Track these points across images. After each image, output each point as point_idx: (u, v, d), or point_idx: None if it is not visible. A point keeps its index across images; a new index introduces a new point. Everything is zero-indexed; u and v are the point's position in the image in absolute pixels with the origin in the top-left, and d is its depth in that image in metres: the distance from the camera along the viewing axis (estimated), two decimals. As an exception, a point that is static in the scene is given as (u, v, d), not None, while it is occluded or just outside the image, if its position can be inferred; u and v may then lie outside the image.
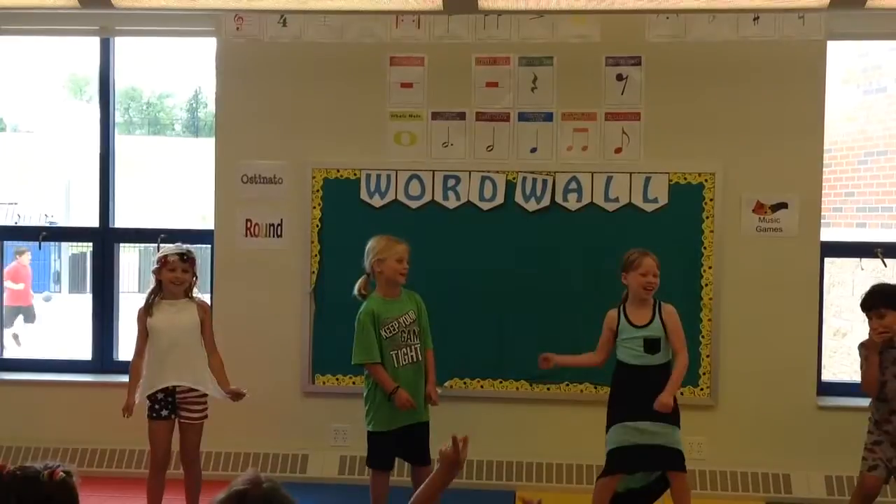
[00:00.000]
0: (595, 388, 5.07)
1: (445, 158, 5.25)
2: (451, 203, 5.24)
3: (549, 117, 5.21)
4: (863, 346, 4.23)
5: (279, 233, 5.34)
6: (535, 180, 5.19)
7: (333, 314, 5.25)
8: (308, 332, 5.30)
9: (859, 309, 4.27)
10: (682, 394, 5.01)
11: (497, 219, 5.21)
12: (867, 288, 4.29)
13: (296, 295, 5.30)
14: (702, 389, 5.13)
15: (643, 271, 4.29)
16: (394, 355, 4.35)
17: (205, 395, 4.42)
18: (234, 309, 5.32)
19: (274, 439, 5.33)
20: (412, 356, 4.39)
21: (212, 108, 5.51)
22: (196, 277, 4.45)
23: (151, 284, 4.48)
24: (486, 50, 5.21)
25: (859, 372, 4.26)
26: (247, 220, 5.35)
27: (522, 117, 5.23)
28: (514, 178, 5.20)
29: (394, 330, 4.36)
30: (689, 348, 4.91)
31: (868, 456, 4.21)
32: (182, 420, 4.40)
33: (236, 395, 4.45)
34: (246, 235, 5.35)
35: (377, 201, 5.26)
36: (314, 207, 5.29)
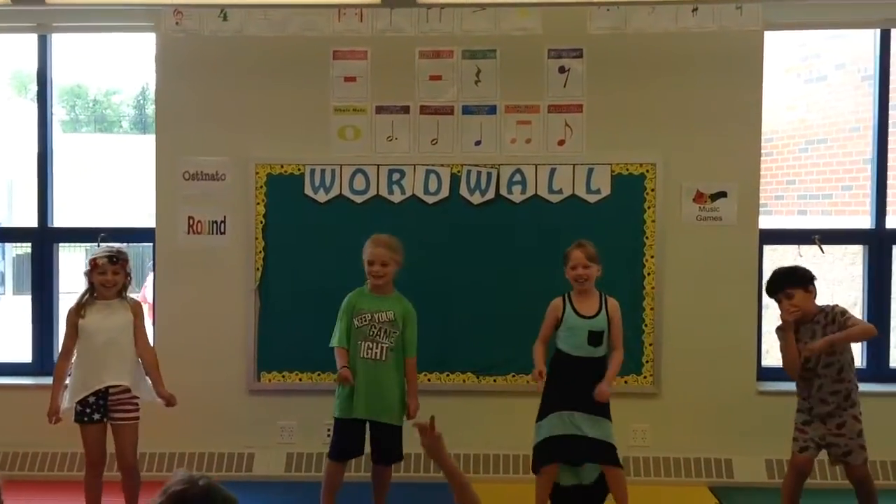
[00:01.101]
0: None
1: (390, 152, 5.24)
2: (397, 197, 5.23)
3: (492, 110, 5.23)
4: (780, 330, 4.32)
5: (222, 230, 5.29)
6: (479, 173, 5.20)
7: (279, 311, 5.23)
8: (253, 330, 5.26)
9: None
10: (625, 382, 5.12)
11: (442, 212, 5.22)
12: (769, 275, 4.39)
13: (240, 292, 5.26)
14: (645, 377, 5.19)
15: (572, 265, 4.35)
16: (360, 345, 4.40)
17: (137, 396, 4.36)
18: (177, 307, 5.27)
19: (219, 438, 5.28)
20: (376, 352, 4.40)
21: (157, 104, 5.45)
22: (130, 277, 4.40)
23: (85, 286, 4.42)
24: (429, 43, 5.21)
25: (780, 354, 4.35)
26: (189, 218, 5.29)
27: (466, 110, 5.24)
28: (458, 172, 5.21)
29: (365, 321, 4.41)
30: (633, 337, 5.03)
31: (799, 437, 4.30)
32: (115, 422, 4.33)
33: (170, 401, 4.41)
34: (188, 233, 5.29)
35: (322, 196, 5.24)
36: (258, 203, 5.25)
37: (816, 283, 4.32)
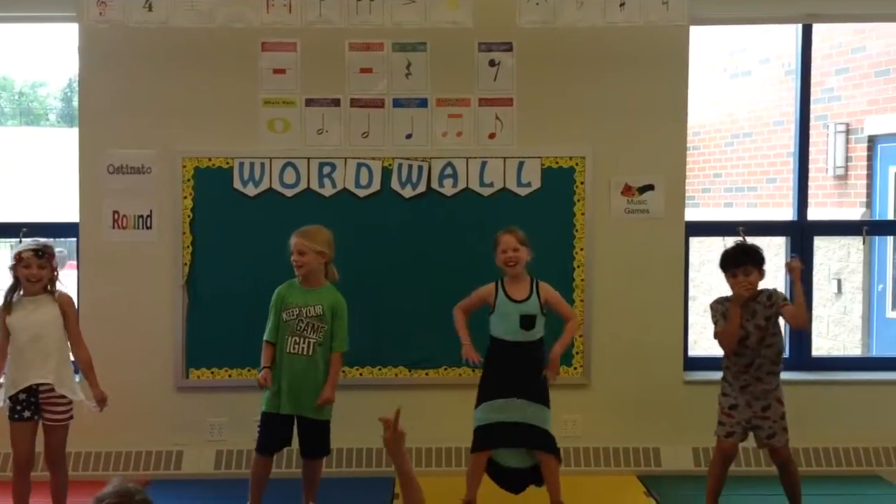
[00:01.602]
0: (473, 371, 5.11)
1: (320, 145, 5.21)
2: (328, 191, 5.20)
3: (423, 103, 5.22)
4: (719, 304, 4.41)
5: (148, 224, 5.20)
6: (410, 166, 5.19)
7: (208, 307, 5.17)
8: (181, 326, 5.19)
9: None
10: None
11: (374, 206, 5.21)
12: (730, 247, 4.48)
13: (167, 288, 5.18)
14: (575, 369, 5.25)
15: (502, 248, 4.40)
16: (288, 340, 4.36)
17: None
18: (102, 303, 5.16)
19: (147, 436, 5.20)
20: (303, 347, 4.37)
21: (84, 96, 5.33)
22: (57, 272, 4.30)
23: (10, 282, 4.31)
24: (359, 35, 5.17)
25: (713, 329, 4.43)
26: (114, 212, 5.19)
27: (397, 103, 5.22)
28: (390, 165, 5.20)
29: (292, 315, 4.38)
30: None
31: (726, 421, 4.39)
32: (46, 421, 4.26)
33: (102, 401, 4.34)
34: (113, 227, 5.19)
35: (251, 190, 5.18)
36: (185, 197, 5.18)
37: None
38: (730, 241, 5.28)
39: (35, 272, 4.22)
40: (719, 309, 4.41)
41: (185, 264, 5.18)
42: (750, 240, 5.26)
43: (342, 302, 4.48)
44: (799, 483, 4.40)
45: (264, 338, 4.42)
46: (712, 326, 4.46)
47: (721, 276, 4.47)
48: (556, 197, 5.21)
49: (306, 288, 4.43)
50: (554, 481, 4.37)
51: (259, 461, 4.43)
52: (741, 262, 4.36)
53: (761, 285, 4.42)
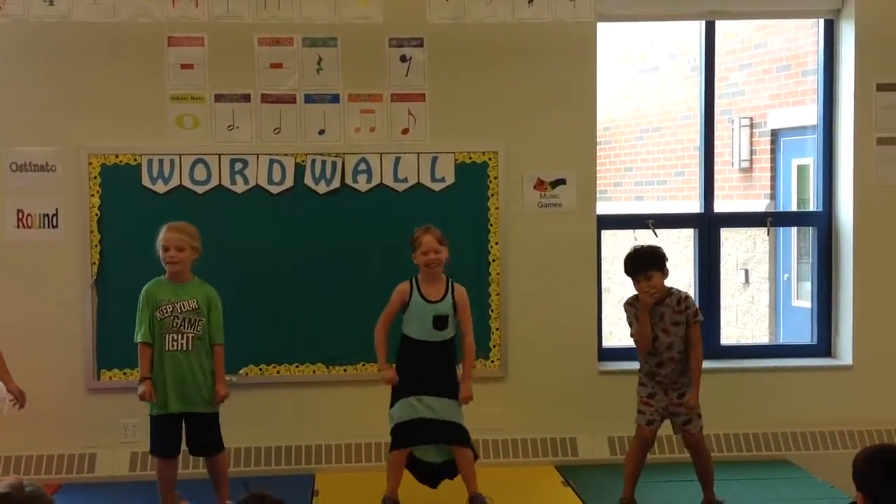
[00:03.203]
0: (391, 367, 5.12)
1: (231, 142, 5.14)
2: (240, 187, 5.14)
3: (335, 99, 5.20)
4: (630, 306, 4.49)
5: (55, 223, 5.07)
6: (324, 162, 5.17)
7: (118, 306, 5.04)
8: (91, 326, 5.07)
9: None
10: (474, 367, 5.18)
11: (287, 202, 5.16)
12: (627, 253, 4.52)
13: (76, 288, 5.06)
14: (493, 362, 5.29)
15: (423, 250, 4.38)
16: (165, 337, 4.28)
17: None
18: (8, 304, 5.01)
19: (58, 439, 5.07)
20: (182, 343, 4.30)
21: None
22: None
23: None
24: (268, 30, 5.13)
25: (629, 330, 4.52)
26: (18, 211, 5.04)
27: (309, 99, 5.19)
28: (303, 161, 5.16)
29: (167, 313, 4.29)
30: (481, 322, 5.11)
31: (645, 409, 4.48)
32: None
33: (21, 396, 4.24)
34: (18, 227, 5.05)
35: (161, 187, 5.09)
36: (92, 195, 5.06)
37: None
38: (641, 234, 5.42)
39: None
40: (631, 311, 4.48)
41: (94, 263, 5.07)
42: (660, 232, 5.42)
43: (215, 294, 4.42)
44: (711, 468, 4.51)
45: (139, 340, 4.30)
46: (625, 318, 4.55)
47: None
48: (471, 192, 5.24)
49: (176, 283, 4.35)
50: (470, 474, 4.40)
51: (163, 465, 4.36)
52: (640, 268, 4.40)
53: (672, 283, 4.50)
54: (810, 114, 6.34)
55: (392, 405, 4.41)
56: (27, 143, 5.05)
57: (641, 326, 4.40)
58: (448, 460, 4.45)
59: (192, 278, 4.40)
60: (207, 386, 4.35)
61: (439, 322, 4.38)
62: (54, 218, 5.07)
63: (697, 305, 4.54)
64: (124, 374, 5.09)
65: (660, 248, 4.56)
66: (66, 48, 5.05)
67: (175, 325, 4.29)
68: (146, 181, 5.07)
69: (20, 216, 5.05)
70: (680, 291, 4.48)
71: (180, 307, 4.30)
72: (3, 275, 5.04)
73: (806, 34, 8.22)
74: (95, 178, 5.06)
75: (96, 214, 5.07)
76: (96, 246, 5.07)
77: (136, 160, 5.07)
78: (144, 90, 5.08)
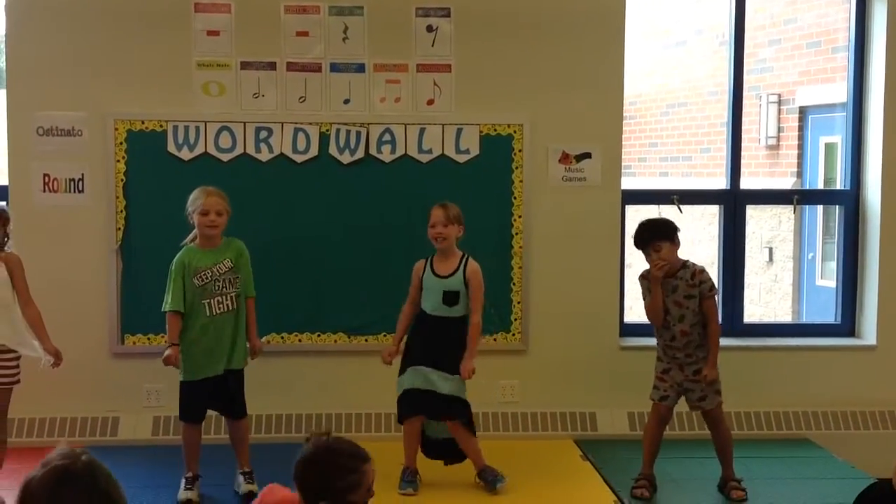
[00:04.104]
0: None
1: (257, 110, 5.14)
2: (264, 155, 5.14)
3: (361, 68, 5.17)
4: (644, 279, 4.47)
5: (80, 188, 5.09)
6: (349, 132, 5.16)
7: (142, 271, 5.08)
8: (116, 291, 5.10)
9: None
10: (494, 339, 5.21)
11: (311, 171, 5.16)
12: (636, 226, 4.49)
13: (101, 252, 5.09)
14: (514, 335, 5.29)
15: (431, 223, 4.39)
16: (206, 304, 4.29)
17: (16, 359, 4.22)
18: (33, 268, 4.97)
19: (82, 403, 5.12)
20: (227, 304, 4.33)
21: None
22: (7, 235, 4.25)
23: None
24: (294, -2, 5.12)
25: (643, 303, 4.50)
26: (44, 175, 5.07)
27: (334, 68, 5.17)
28: (327, 130, 5.15)
29: (206, 279, 4.30)
30: (502, 295, 5.11)
31: (659, 385, 4.48)
32: None
33: (57, 356, 4.30)
34: (44, 191, 5.07)
35: (186, 154, 5.09)
36: (118, 161, 5.07)
37: (680, 234, 4.45)
38: (665, 210, 5.38)
39: None
40: (644, 284, 4.46)
41: (119, 229, 5.09)
42: (684, 208, 5.39)
43: (243, 245, 4.44)
44: (731, 445, 4.51)
45: (170, 308, 4.29)
46: (641, 292, 4.53)
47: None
48: (495, 164, 5.22)
49: (210, 248, 4.36)
50: (471, 448, 4.42)
51: (188, 430, 4.40)
52: (648, 240, 4.37)
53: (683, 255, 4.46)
54: (839, 91, 6.27)
55: (400, 373, 4.44)
56: (54, 107, 5.06)
57: (653, 299, 4.38)
58: (450, 438, 4.46)
59: (222, 239, 4.42)
60: (245, 341, 4.41)
61: (448, 297, 4.37)
62: (80, 183, 5.09)
63: (716, 281, 4.50)
64: (148, 339, 5.13)
65: (669, 219, 4.52)
66: (93, 14, 5.05)
67: (217, 288, 4.30)
68: (171, 148, 5.08)
69: (46, 180, 5.08)
70: (695, 265, 4.44)
71: (217, 270, 4.32)
72: (29, 239, 5.04)
73: (837, 10, 8.10)
74: (121, 143, 5.07)
75: (122, 180, 5.08)
76: (121, 211, 5.09)
77: (161, 126, 5.08)
78: (171, 56, 5.08)
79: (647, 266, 4.45)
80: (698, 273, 4.40)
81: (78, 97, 5.06)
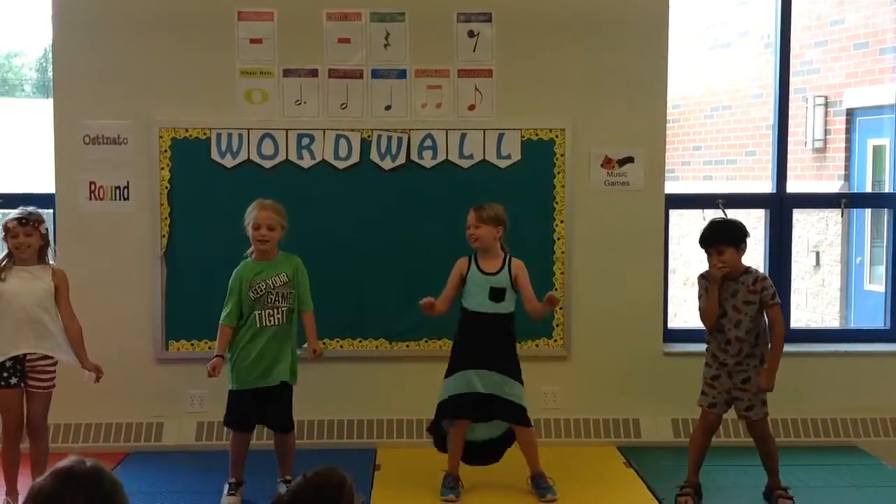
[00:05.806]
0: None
1: (298, 117, 5.17)
2: (306, 162, 5.16)
3: (402, 74, 5.18)
4: (703, 279, 4.41)
5: (125, 195, 5.15)
6: (390, 138, 5.16)
7: (187, 278, 5.14)
8: (160, 298, 5.16)
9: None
10: (536, 345, 5.18)
11: (353, 177, 5.17)
12: (706, 224, 4.44)
13: (146, 259, 5.15)
14: (555, 341, 5.25)
15: (467, 224, 4.43)
16: (258, 315, 4.34)
17: (54, 364, 4.28)
18: (79, 275, 5.04)
19: (127, 408, 5.18)
20: (278, 318, 4.37)
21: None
22: (47, 240, 4.30)
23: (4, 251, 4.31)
24: (336, 5, 5.13)
25: (697, 302, 4.44)
26: (90, 183, 5.14)
27: (376, 74, 5.18)
28: (369, 136, 5.16)
29: (261, 291, 4.35)
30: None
31: (708, 391, 4.41)
32: (29, 388, 4.25)
33: (98, 370, 4.36)
34: (90, 199, 5.14)
35: (229, 161, 5.14)
36: (162, 168, 5.13)
37: (749, 239, 4.39)
38: (709, 214, 5.32)
39: (22, 240, 4.21)
40: (702, 284, 4.41)
41: (164, 236, 5.14)
42: (730, 213, 5.31)
43: (300, 262, 4.49)
44: (776, 456, 4.43)
45: (224, 322, 4.37)
46: (692, 299, 4.47)
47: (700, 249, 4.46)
48: (536, 169, 5.20)
49: (266, 261, 4.41)
50: (532, 452, 4.41)
51: (236, 438, 4.44)
52: (712, 242, 4.33)
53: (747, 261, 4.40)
54: (887, 93, 6.16)
55: (447, 375, 4.42)
56: (100, 116, 5.13)
57: (709, 300, 4.32)
58: (493, 439, 4.45)
59: (279, 253, 4.45)
60: (294, 355, 4.44)
61: (496, 294, 4.37)
62: (125, 190, 5.15)
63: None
64: (192, 345, 5.17)
65: (739, 223, 4.45)
66: (138, 23, 5.11)
67: (270, 300, 4.35)
68: (215, 155, 5.12)
69: (92, 188, 5.15)
70: (758, 271, 4.38)
71: (272, 283, 4.36)
72: (75, 246, 5.14)
73: (885, 11, 7.97)
74: (166, 151, 5.12)
75: (166, 187, 5.14)
76: (166, 218, 5.14)
77: (205, 134, 5.13)
78: (214, 64, 5.12)
79: (694, 273, 4.41)
80: (760, 280, 4.34)
81: (123, 106, 5.12)
